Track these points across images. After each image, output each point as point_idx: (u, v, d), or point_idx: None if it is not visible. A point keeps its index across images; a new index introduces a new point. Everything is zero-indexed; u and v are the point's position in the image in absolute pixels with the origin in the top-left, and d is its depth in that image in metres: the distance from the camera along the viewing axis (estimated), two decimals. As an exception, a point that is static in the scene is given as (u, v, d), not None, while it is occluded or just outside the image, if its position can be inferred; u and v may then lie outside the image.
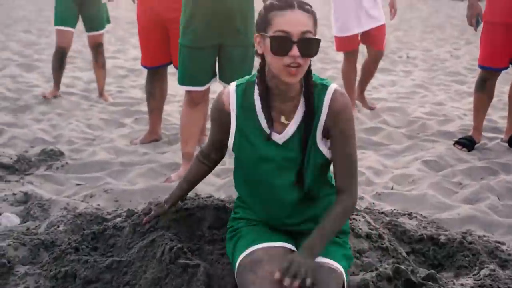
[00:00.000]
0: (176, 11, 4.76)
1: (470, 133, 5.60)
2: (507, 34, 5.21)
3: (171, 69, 5.27)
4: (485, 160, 4.96)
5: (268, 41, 2.49)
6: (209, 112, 4.78)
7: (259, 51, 2.59)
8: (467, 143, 5.49)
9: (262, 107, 2.64)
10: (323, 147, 2.65)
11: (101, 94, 7.14)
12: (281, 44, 2.48)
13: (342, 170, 2.67)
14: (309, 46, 2.50)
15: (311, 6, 2.57)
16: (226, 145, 2.83)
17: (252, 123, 2.68)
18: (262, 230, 2.73)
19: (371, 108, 6.71)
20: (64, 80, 7.17)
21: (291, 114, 2.65)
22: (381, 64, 9.61)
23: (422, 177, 4.53)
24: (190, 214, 3.14)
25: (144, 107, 5.75)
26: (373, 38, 6.45)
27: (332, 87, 2.63)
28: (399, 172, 4.66)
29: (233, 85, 2.74)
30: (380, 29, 6.46)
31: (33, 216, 3.65)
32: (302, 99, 2.65)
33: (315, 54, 2.54)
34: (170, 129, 5.67)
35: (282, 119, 2.65)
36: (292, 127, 2.65)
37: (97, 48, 6.98)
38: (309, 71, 2.62)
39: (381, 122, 5.96)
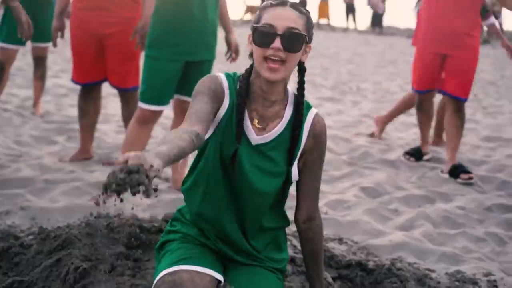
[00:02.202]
0: (112, 26, 4.82)
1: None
2: (434, 61, 5.50)
3: (113, 90, 5.25)
4: (424, 189, 5.01)
5: (254, 34, 2.52)
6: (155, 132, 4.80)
7: (248, 50, 2.56)
8: (415, 154, 5.79)
9: (239, 105, 2.57)
10: (295, 169, 2.61)
11: (34, 104, 7.07)
12: (265, 35, 2.48)
13: (314, 192, 2.69)
14: (293, 40, 2.48)
15: (306, 9, 2.58)
16: (210, 121, 2.52)
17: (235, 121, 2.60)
18: (194, 250, 2.61)
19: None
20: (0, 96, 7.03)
21: (272, 121, 2.59)
22: (329, 93, 9.86)
23: (358, 203, 4.54)
24: (105, 231, 3.11)
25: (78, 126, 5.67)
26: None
27: (314, 109, 2.64)
28: (335, 198, 4.65)
29: (221, 73, 2.66)
30: None
31: None
32: (286, 109, 2.60)
33: (299, 50, 2.51)
34: (103, 148, 5.63)
35: (255, 122, 2.58)
36: (275, 132, 2.58)
37: (39, 60, 6.95)
38: (302, 80, 2.61)
39: None
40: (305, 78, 2.61)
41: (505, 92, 10.77)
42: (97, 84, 5.13)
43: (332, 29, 24.52)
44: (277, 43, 2.41)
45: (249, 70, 2.57)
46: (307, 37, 2.50)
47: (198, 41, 4.41)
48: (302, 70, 2.60)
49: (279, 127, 2.55)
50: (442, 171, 5.56)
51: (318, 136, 2.59)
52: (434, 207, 4.54)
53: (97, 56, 4.95)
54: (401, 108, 6.68)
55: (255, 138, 2.53)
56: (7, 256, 3.05)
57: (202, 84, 2.57)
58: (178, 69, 4.38)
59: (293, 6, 2.51)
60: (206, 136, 2.52)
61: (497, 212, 4.57)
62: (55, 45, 5.22)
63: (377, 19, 23.22)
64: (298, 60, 2.53)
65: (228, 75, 2.62)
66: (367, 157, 5.83)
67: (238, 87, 2.57)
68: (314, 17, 24.18)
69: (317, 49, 15.99)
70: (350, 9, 24.02)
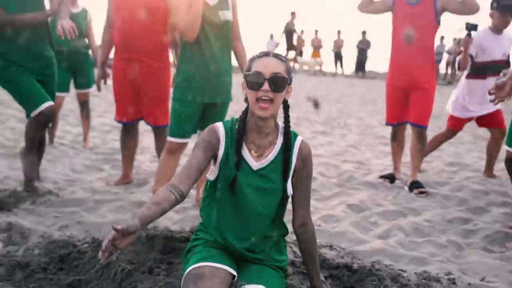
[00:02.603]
0: (145, 75, 4.76)
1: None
2: (402, 96, 5.47)
3: (147, 127, 5.23)
4: (398, 205, 4.98)
5: (246, 81, 2.56)
6: (181, 161, 4.79)
7: (244, 95, 2.59)
8: (390, 177, 5.73)
9: (237, 140, 2.61)
10: (289, 185, 2.65)
11: (84, 139, 7.11)
12: (255, 80, 2.52)
13: (305, 203, 2.72)
14: (278, 83, 2.53)
15: (285, 58, 2.65)
16: (199, 174, 2.60)
17: (233, 153, 2.63)
18: (213, 252, 2.64)
19: None
20: (57, 133, 7.13)
21: (266, 149, 2.64)
22: (321, 128, 9.79)
23: (345, 217, 4.51)
24: (144, 240, 3.15)
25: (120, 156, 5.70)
26: (493, 119, 5.87)
27: (300, 136, 2.69)
28: (326, 213, 4.62)
29: (220, 122, 2.70)
30: (498, 111, 5.87)
31: (13, 242, 3.57)
32: (278, 139, 2.66)
33: (283, 90, 2.55)
34: (140, 174, 5.61)
35: (252, 152, 2.63)
36: (269, 158, 2.63)
37: (83, 103, 7.04)
38: (287, 114, 2.67)
39: (317, 173, 5.93)
40: (301, 115, 2.72)
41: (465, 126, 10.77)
42: (135, 122, 5.11)
43: (323, 74, 24.31)
44: (266, 86, 2.48)
45: (245, 112, 2.62)
46: (288, 79, 2.56)
47: (214, 87, 4.29)
48: (286, 107, 2.67)
49: (273, 153, 2.62)
50: (405, 186, 5.55)
51: (305, 157, 2.66)
52: (406, 220, 4.53)
53: (135, 100, 4.90)
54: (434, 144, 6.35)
55: (255, 164, 2.59)
56: (68, 260, 3.12)
57: (200, 137, 2.66)
58: (197, 110, 4.29)
59: (275, 55, 2.59)
60: (212, 177, 2.68)
61: (456, 223, 4.56)
62: (99, 90, 5.22)
63: (360, 65, 23.05)
64: (283, 98, 2.58)
65: (225, 122, 2.68)
66: (352, 180, 5.79)
67: (237, 127, 2.62)
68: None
69: (311, 91, 16.00)
70: (338, 57, 23.79)
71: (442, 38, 22.01)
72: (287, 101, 2.65)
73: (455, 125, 6.05)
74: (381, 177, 5.82)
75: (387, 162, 6.80)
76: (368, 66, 22.69)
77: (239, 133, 2.60)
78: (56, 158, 6.18)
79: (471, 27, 5.23)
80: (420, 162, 5.66)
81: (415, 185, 5.42)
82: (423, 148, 5.60)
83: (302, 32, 23.36)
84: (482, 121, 5.95)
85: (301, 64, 23.04)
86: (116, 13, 4.75)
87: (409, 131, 5.71)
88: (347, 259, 3.50)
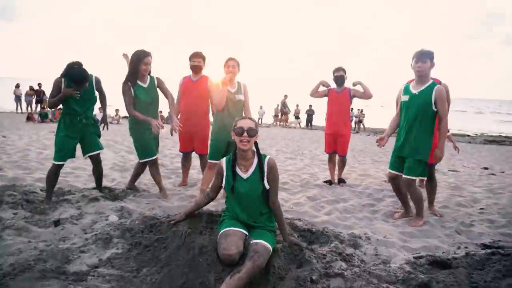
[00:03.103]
0: (196, 126, 4.64)
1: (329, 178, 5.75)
2: (332, 139, 5.55)
3: (195, 155, 5.07)
4: (334, 197, 4.84)
5: (234, 132, 2.63)
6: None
7: (232, 138, 2.66)
8: (328, 182, 5.63)
9: (232, 165, 2.67)
10: (266, 182, 2.65)
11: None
12: (239, 131, 2.59)
13: (274, 194, 2.68)
14: (251, 132, 2.59)
15: (255, 120, 2.68)
16: (219, 189, 2.83)
17: (231, 173, 2.68)
18: (233, 222, 2.66)
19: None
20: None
21: (249, 166, 2.67)
22: (290, 155, 9.44)
23: (305, 203, 4.45)
24: (197, 215, 3.05)
25: (180, 170, 5.62)
26: None
27: (268, 156, 2.69)
28: (295, 201, 4.54)
29: (224, 158, 2.78)
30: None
31: (124, 217, 3.52)
32: (254, 160, 2.67)
33: (254, 135, 2.62)
34: (191, 180, 5.40)
35: (242, 168, 2.67)
36: (249, 172, 2.65)
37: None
38: (257, 148, 2.69)
39: (289, 179, 5.75)
40: (279, 149, 2.79)
41: (368, 153, 10.82)
42: (190, 152, 4.97)
43: (293, 127, 23.77)
44: (245, 134, 2.57)
45: (235, 149, 2.67)
46: (256, 131, 2.63)
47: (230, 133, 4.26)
48: (256, 144, 2.68)
49: (253, 167, 2.65)
50: (338, 185, 5.48)
51: (271, 167, 2.64)
52: (339, 205, 4.48)
53: (190, 138, 4.76)
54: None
55: (244, 175, 2.64)
56: (155, 227, 3.02)
57: (216, 168, 2.78)
58: (224, 145, 4.24)
59: (249, 118, 2.66)
60: (223, 184, 2.75)
61: (367, 207, 4.48)
62: (171, 134, 4.81)
63: (309, 122, 22.66)
64: (254, 140, 2.63)
65: (227, 157, 2.75)
66: (308, 183, 5.67)
67: (232, 158, 2.69)
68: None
69: (282, 136, 15.99)
70: (297, 118, 22.94)
71: (352, 109, 22.06)
72: (256, 141, 2.70)
73: None
74: (324, 182, 5.73)
75: (326, 173, 6.76)
76: (314, 122, 22.54)
77: (233, 161, 2.69)
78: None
79: None
80: (342, 171, 5.74)
81: (341, 181, 5.60)
82: (344, 165, 5.71)
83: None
84: None
85: (289, 123, 22.78)
86: (182, 96, 4.69)
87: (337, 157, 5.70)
88: (308, 226, 3.44)
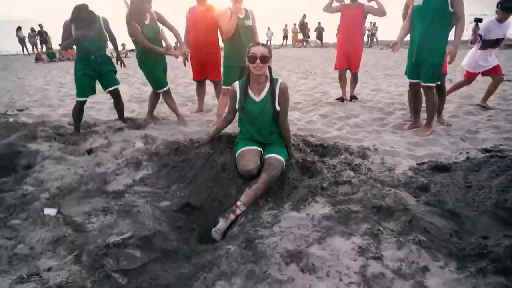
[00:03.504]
0: (208, 55, 4.67)
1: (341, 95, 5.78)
2: (345, 55, 5.50)
3: (209, 82, 5.11)
4: (346, 113, 4.90)
5: (248, 58, 2.67)
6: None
7: (246, 64, 2.72)
8: (340, 99, 5.66)
9: (244, 88, 2.77)
10: (276, 105, 2.76)
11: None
12: (252, 58, 2.62)
13: (284, 115, 2.80)
14: (264, 59, 2.63)
15: (268, 46, 2.70)
16: (236, 112, 2.94)
17: (242, 95, 2.78)
18: (248, 142, 2.83)
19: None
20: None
21: (261, 90, 2.76)
22: (301, 75, 9.39)
23: (317, 121, 4.57)
24: (218, 137, 3.23)
25: (195, 98, 5.74)
26: (494, 71, 5.04)
27: (280, 80, 2.76)
28: (307, 119, 4.66)
29: (237, 81, 2.87)
30: (498, 65, 5.06)
31: (149, 143, 3.72)
32: (267, 84, 2.75)
33: (267, 62, 2.66)
34: (207, 106, 5.52)
35: (255, 91, 2.77)
36: (262, 95, 2.75)
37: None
38: (271, 72, 2.75)
39: (301, 99, 5.80)
40: (288, 70, 2.82)
41: (380, 68, 10.64)
42: (203, 80, 5.04)
43: (298, 46, 23.06)
44: (258, 61, 2.59)
45: (249, 73, 2.72)
46: (269, 57, 2.64)
47: (243, 58, 4.20)
48: (270, 69, 2.71)
49: (265, 91, 2.72)
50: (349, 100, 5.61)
51: (283, 90, 2.72)
52: (350, 120, 4.59)
53: (203, 67, 4.83)
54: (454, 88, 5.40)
55: (257, 98, 2.73)
56: (178, 150, 3.23)
57: (230, 94, 2.86)
58: (236, 70, 4.29)
59: (262, 44, 2.67)
60: (236, 106, 2.83)
61: (377, 120, 4.54)
62: (185, 65, 4.96)
63: (320, 36, 21.72)
64: (267, 65, 2.67)
65: (240, 81, 2.82)
66: (320, 102, 5.75)
67: (245, 81, 2.74)
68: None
69: (292, 56, 15.64)
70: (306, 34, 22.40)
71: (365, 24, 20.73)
72: (270, 67, 2.73)
73: (470, 76, 5.20)
74: (336, 99, 5.79)
75: (338, 91, 6.76)
76: (325, 40, 21.61)
77: (245, 83, 2.76)
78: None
79: (477, 20, 4.76)
80: (355, 87, 5.79)
81: (353, 98, 5.68)
82: (356, 82, 5.77)
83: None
84: (486, 72, 5.12)
85: (310, 42, 21.69)
86: (191, 27, 4.66)
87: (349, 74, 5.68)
88: (320, 141, 3.61)
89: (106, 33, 4.06)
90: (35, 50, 18.82)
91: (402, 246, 1.96)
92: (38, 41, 18.87)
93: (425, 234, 2.06)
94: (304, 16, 21.25)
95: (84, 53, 3.97)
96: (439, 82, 4.01)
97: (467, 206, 2.31)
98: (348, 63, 5.56)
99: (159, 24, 4.38)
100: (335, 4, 5.44)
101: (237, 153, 2.76)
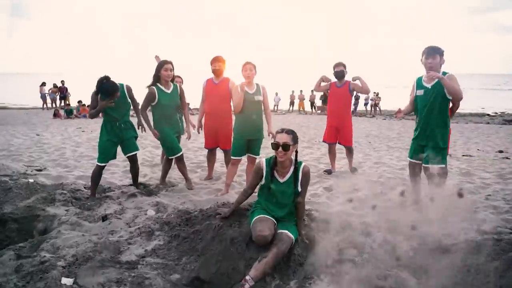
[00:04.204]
0: (220, 124, 4.94)
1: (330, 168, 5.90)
2: (333, 129, 5.73)
3: (220, 151, 5.34)
4: (349, 186, 5.01)
5: (272, 144, 2.87)
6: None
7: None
8: (328, 171, 5.82)
9: (271, 169, 2.94)
10: (299, 187, 2.93)
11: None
12: (275, 146, 2.83)
13: (303, 194, 2.96)
14: (286, 148, 2.82)
15: (293, 132, 2.87)
16: (256, 186, 3.05)
17: (269, 176, 2.95)
18: (263, 212, 2.95)
19: None
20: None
21: (286, 173, 2.92)
22: (306, 144, 9.60)
23: (322, 194, 4.60)
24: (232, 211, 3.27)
25: (204, 164, 5.84)
26: None
27: (303, 163, 2.94)
28: (312, 192, 4.67)
29: (263, 159, 3.02)
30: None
31: (160, 211, 3.83)
32: (291, 167, 2.93)
33: (289, 150, 2.83)
34: (216, 173, 5.61)
35: (280, 174, 2.95)
36: (286, 177, 2.92)
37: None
38: (296, 156, 2.92)
39: None
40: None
41: (384, 139, 10.90)
42: (214, 148, 5.18)
43: (304, 113, 23.93)
44: (280, 149, 2.78)
45: (275, 157, 2.90)
46: (293, 144, 2.80)
47: (252, 131, 4.50)
48: (296, 153, 2.89)
49: (289, 174, 2.89)
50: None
51: (305, 174, 2.88)
52: (353, 195, 4.30)
53: (215, 136, 5.04)
54: None
55: (281, 180, 2.89)
56: (189, 219, 3.34)
57: (255, 168, 2.97)
58: (245, 142, 4.52)
59: (286, 131, 2.84)
60: (262, 182, 2.94)
61: (379, 198, 4.63)
62: (198, 132, 5.24)
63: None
64: (292, 152, 2.82)
65: (267, 159, 2.95)
66: (322, 173, 5.80)
67: (273, 162, 2.90)
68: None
69: (299, 123, 16.13)
70: (312, 103, 22.33)
71: (358, 97, 21.43)
72: (297, 151, 2.91)
73: None
74: (324, 171, 5.85)
75: (342, 162, 6.67)
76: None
77: (272, 166, 2.92)
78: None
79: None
80: (352, 160, 5.92)
81: (353, 170, 5.80)
82: (352, 155, 5.89)
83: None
84: None
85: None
86: (207, 96, 5.01)
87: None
88: (324, 216, 3.47)
89: (129, 100, 4.37)
90: (53, 105, 19.72)
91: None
92: (58, 97, 19.82)
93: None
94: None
95: (109, 120, 4.32)
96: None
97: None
98: (337, 138, 5.76)
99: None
100: (323, 83, 5.85)
101: (253, 220, 2.85)
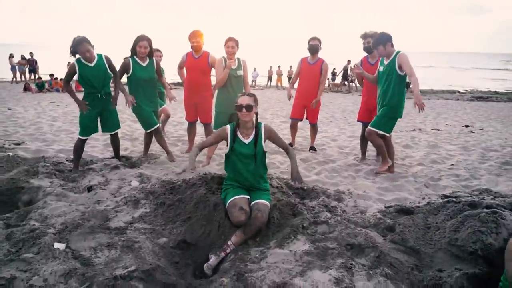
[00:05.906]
0: (200, 98, 4.94)
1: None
2: (301, 106, 5.60)
3: (199, 124, 5.31)
4: (323, 159, 5.22)
5: (236, 107, 2.96)
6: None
7: (235, 110, 3.01)
8: (312, 148, 5.69)
9: (234, 131, 3.03)
10: (264, 145, 3.04)
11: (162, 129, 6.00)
12: (239, 108, 2.93)
13: (281, 143, 3.09)
14: (249, 108, 2.93)
15: (254, 95, 2.97)
16: (208, 146, 3.13)
17: (232, 137, 3.03)
18: (236, 190, 2.98)
19: None
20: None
21: (249, 134, 3.02)
22: (284, 119, 9.65)
23: (299, 165, 4.72)
24: (211, 178, 3.43)
25: (186, 139, 5.81)
26: None
27: (263, 123, 3.05)
28: (289, 163, 4.79)
29: (228, 125, 3.11)
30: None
31: (144, 182, 3.90)
32: (253, 129, 3.03)
33: (252, 110, 2.94)
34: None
35: (244, 135, 3.05)
36: (250, 138, 3.02)
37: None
38: (256, 118, 3.03)
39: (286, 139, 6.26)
40: (272, 113, 3.09)
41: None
42: (195, 121, 5.23)
43: (282, 88, 23.87)
44: (243, 110, 2.88)
45: (237, 119, 3.00)
46: (254, 106, 2.91)
47: (233, 105, 4.65)
48: (256, 115, 3.00)
49: (252, 135, 3.00)
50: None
51: (268, 129, 3.01)
52: (328, 165, 4.90)
53: (195, 110, 5.09)
54: None
55: (246, 140, 2.99)
56: (173, 189, 3.42)
57: (219, 129, 3.05)
58: (226, 116, 4.62)
59: (248, 94, 2.95)
60: (226, 151, 3.01)
61: (352, 166, 4.89)
62: (175, 100, 5.05)
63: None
64: (254, 112, 2.94)
65: (231, 124, 3.04)
66: (302, 146, 5.93)
67: (235, 125, 3.00)
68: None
69: (276, 99, 16.21)
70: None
71: (335, 73, 21.50)
72: (257, 112, 3.02)
73: None
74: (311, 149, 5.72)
75: (320, 135, 6.97)
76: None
77: (235, 128, 3.02)
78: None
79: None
80: (314, 138, 5.80)
81: (312, 149, 5.65)
82: (315, 132, 5.73)
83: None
84: None
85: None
86: (187, 71, 5.02)
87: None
88: (302, 184, 3.68)
89: (109, 71, 4.26)
90: (22, 78, 18.87)
91: (371, 278, 2.29)
92: (27, 69, 18.94)
93: (390, 268, 2.39)
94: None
95: (90, 91, 4.25)
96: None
97: (426, 244, 2.69)
98: (303, 114, 5.63)
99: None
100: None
101: (228, 203, 2.90)
